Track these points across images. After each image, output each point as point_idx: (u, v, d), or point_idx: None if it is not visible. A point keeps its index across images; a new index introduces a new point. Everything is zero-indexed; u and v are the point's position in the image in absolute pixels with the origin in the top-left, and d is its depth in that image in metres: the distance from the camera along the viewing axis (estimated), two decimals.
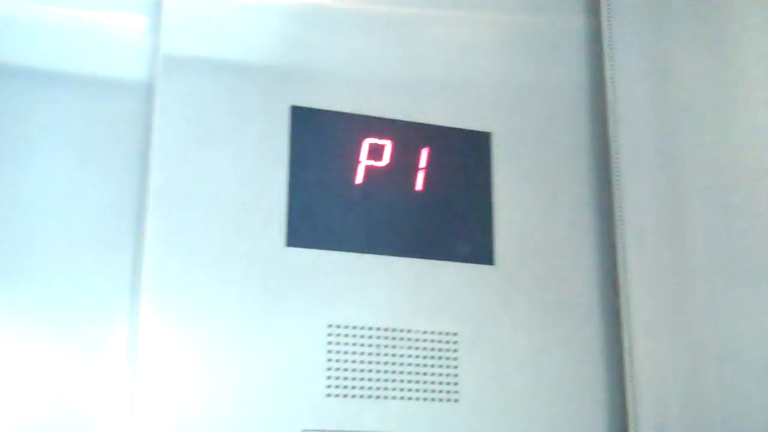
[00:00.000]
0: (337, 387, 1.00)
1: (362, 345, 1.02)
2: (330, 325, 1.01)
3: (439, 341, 1.05)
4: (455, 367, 1.04)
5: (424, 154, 1.11)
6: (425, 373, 1.03)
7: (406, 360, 1.03)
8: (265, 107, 1.06)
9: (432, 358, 1.04)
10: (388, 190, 1.09)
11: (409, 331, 1.04)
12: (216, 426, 0.94)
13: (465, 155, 1.13)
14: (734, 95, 1.01)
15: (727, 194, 1.00)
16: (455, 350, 1.05)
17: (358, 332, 1.02)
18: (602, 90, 1.20)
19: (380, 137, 1.10)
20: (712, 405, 0.98)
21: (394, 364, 1.02)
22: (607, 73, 1.19)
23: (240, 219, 1.02)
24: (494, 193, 1.13)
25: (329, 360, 1.00)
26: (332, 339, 1.01)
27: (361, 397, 1.00)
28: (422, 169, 1.11)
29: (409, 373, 1.03)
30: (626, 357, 1.09)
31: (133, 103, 1.04)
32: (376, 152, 1.09)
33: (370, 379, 1.01)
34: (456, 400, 1.03)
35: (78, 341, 0.95)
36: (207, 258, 0.99)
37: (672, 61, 1.16)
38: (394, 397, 1.01)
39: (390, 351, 1.03)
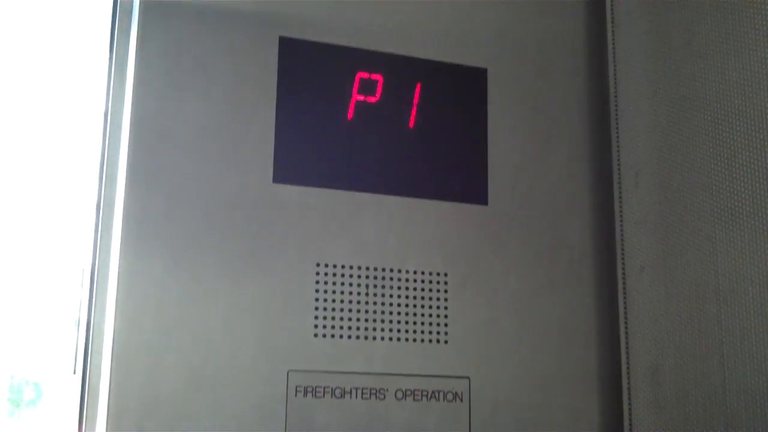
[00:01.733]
0: (324, 327, 0.98)
1: (351, 285, 1.00)
2: (318, 264, 0.99)
3: (429, 281, 1.03)
4: (445, 308, 1.03)
5: (418, 89, 1.08)
6: (414, 314, 1.01)
7: (395, 300, 1.01)
8: (253, 38, 1.02)
9: (422, 298, 1.02)
10: (380, 127, 1.06)
11: (398, 271, 1.02)
12: (200, 366, 0.93)
13: (460, 92, 1.10)
14: (739, 32, 0.98)
15: (728, 133, 0.98)
16: (445, 291, 1.03)
17: (347, 272, 1.00)
18: (602, 26, 1.16)
19: (372, 72, 1.06)
20: (709, 344, 0.97)
21: (383, 304, 1.00)
22: (607, 8, 1.16)
23: (226, 155, 0.99)
24: (489, 132, 1.10)
25: (317, 300, 0.98)
26: (320, 278, 0.99)
27: (349, 337, 0.98)
28: (415, 105, 1.07)
29: (398, 313, 1.01)
30: (620, 297, 1.08)
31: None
32: (367, 87, 1.06)
33: (358, 320, 0.99)
34: (445, 342, 1.02)
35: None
36: (191, 194, 0.96)
37: None
38: (382, 338, 1.00)
39: (379, 291, 1.01)
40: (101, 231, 0.98)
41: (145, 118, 0.97)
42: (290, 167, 1.00)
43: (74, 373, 1.00)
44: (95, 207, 1.00)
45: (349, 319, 0.99)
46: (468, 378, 1.02)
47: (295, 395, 0.95)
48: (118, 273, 0.93)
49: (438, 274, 1.03)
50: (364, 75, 1.06)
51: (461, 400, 1.01)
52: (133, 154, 0.96)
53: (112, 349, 0.91)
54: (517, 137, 1.11)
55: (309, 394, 0.96)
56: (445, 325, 1.02)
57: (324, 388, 0.96)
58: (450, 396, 1.01)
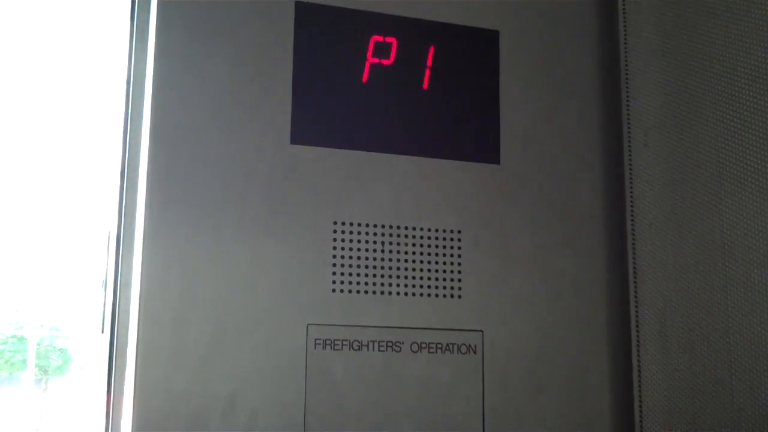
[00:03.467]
0: (341, 283, 1.01)
1: (367, 242, 1.03)
2: (335, 222, 1.02)
3: (443, 239, 1.06)
4: (458, 264, 1.06)
5: (431, 52, 1.10)
6: (429, 270, 1.05)
7: (410, 257, 1.04)
8: (269, 2, 1.05)
9: (436, 255, 1.05)
10: (394, 89, 1.08)
11: (413, 228, 1.05)
12: (223, 322, 0.97)
13: (472, 54, 1.12)
14: None
15: (735, 91, 0.99)
16: (459, 248, 1.06)
17: (363, 229, 1.03)
18: None
19: (386, 35, 1.09)
20: (714, 297, 1.00)
21: (398, 260, 1.04)
22: None
23: (245, 118, 1.02)
24: (501, 92, 1.12)
25: (334, 256, 1.01)
26: (337, 236, 1.02)
27: (366, 292, 1.02)
28: (429, 67, 1.10)
29: (413, 270, 1.04)
30: (629, 253, 1.11)
31: None
32: (382, 50, 1.08)
33: (374, 276, 1.02)
34: (459, 296, 1.05)
35: None
36: (212, 157, 1.00)
37: None
38: (398, 293, 1.03)
39: (394, 248, 1.04)
40: (126, 195, 1.01)
41: (167, 83, 1.00)
42: (307, 129, 1.03)
43: (102, 332, 1.04)
44: (119, 172, 1.03)
45: (366, 275, 1.02)
46: (481, 331, 1.05)
47: (315, 348, 0.99)
48: (143, 235, 0.97)
49: (451, 232, 1.06)
50: (379, 38, 1.08)
51: (474, 352, 1.04)
52: (155, 119, 0.99)
53: (139, 308, 0.95)
54: (528, 98, 1.13)
55: (327, 347, 0.99)
56: (459, 280, 1.05)
57: (342, 341, 1.00)
58: (464, 348, 1.04)
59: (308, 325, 0.99)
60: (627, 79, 1.15)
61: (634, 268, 1.10)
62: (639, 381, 1.08)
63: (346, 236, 1.02)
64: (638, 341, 1.09)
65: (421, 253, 1.05)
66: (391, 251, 1.04)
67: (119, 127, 1.05)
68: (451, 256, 1.06)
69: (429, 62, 1.10)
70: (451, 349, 1.04)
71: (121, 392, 0.97)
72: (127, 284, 0.99)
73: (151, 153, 0.98)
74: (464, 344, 1.04)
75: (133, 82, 1.03)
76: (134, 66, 1.04)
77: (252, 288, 0.98)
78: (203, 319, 0.96)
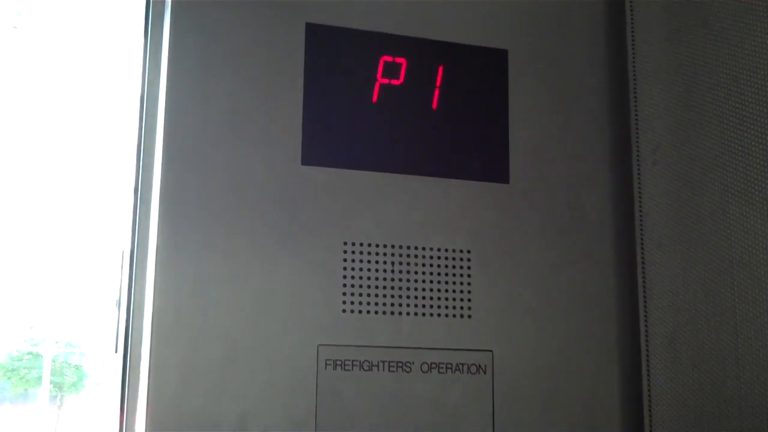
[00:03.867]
0: (352, 303, 1.02)
1: (377, 262, 1.04)
2: (345, 243, 1.03)
3: (453, 258, 1.06)
4: (468, 284, 1.06)
5: (440, 71, 1.11)
6: (438, 290, 1.05)
7: (420, 277, 1.05)
8: (280, 25, 1.06)
9: (446, 275, 1.06)
10: (404, 109, 1.09)
11: (423, 248, 1.05)
12: (235, 341, 0.97)
13: (481, 73, 1.13)
14: (753, 11, 1.00)
15: (741, 111, 1.00)
16: (468, 267, 1.06)
17: (373, 249, 1.04)
18: (620, 6, 1.18)
19: (395, 55, 1.10)
20: (723, 313, 1.00)
21: (408, 280, 1.04)
22: None
23: (256, 138, 1.03)
24: (510, 111, 1.12)
25: (344, 277, 1.02)
26: (347, 256, 1.03)
27: (376, 312, 1.02)
28: (438, 87, 1.10)
29: (423, 289, 1.04)
30: (639, 271, 1.11)
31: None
32: (391, 70, 1.09)
33: (384, 296, 1.03)
34: (469, 316, 1.05)
35: None
36: (225, 178, 1.01)
37: None
38: (408, 313, 1.03)
39: (404, 268, 1.04)
40: (139, 214, 1.02)
41: (180, 103, 1.01)
42: (318, 150, 1.04)
43: (116, 351, 1.05)
44: (133, 191, 1.04)
45: (376, 295, 1.03)
46: (491, 351, 1.05)
47: (325, 368, 0.99)
48: (156, 254, 0.97)
49: (461, 251, 1.07)
50: (388, 58, 1.09)
51: (485, 372, 1.05)
52: (167, 138, 1.00)
53: (152, 327, 0.96)
54: (537, 116, 1.13)
55: (338, 368, 1.00)
56: (469, 300, 1.06)
57: (352, 362, 1.00)
58: (474, 368, 1.04)
59: (319, 345, 1.00)
60: (635, 96, 1.15)
61: (644, 284, 1.11)
62: (649, 398, 1.08)
63: (356, 256, 1.03)
64: (648, 357, 1.09)
65: (431, 273, 1.05)
66: (401, 271, 1.04)
67: (132, 147, 1.07)
68: (461, 275, 1.06)
69: (438, 82, 1.10)
70: (461, 369, 1.04)
71: (134, 411, 0.98)
72: (140, 303, 1.00)
73: (164, 172, 0.99)
74: (474, 364, 1.04)
75: (146, 102, 1.04)
76: (147, 86, 1.05)
77: (264, 307, 0.99)
78: (215, 338, 0.97)
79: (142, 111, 1.05)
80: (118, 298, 1.08)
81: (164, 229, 0.98)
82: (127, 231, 1.04)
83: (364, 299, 1.02)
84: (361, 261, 1.03)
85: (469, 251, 1.07)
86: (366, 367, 1.01)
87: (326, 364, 1.00)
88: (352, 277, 1.02)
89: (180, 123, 1.01)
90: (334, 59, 1.07)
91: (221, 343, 0.97)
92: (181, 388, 0.95)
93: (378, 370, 1.01)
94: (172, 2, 1.03)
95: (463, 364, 1.04)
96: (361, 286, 1.02)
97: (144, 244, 1.01)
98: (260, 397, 0.97)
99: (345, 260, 1.02)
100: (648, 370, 1.09)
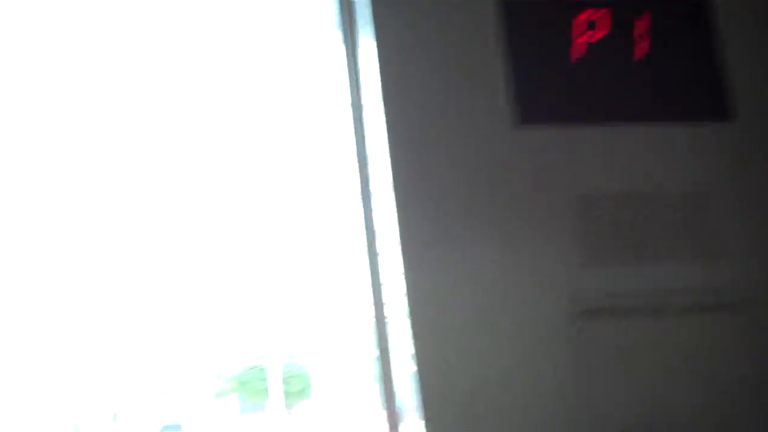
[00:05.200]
0: (592, 255, 0.99)
1: (612, 212, 1.01)
2: (579, 196, 1.01)
3: (692, 201, 1.03)
4: (714, 225, 1.02)
5: (647, 17, 1.07)
6: (678, 233, 1.01)
7: (658, 221, 1.01)
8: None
9: (683, 218, 1.02)
10: (610, 60, 1.06)
11: (658, 194, 1.02)
12: (484, 307, 0.97)
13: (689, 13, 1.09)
14: None
15: None
16: (708, 208, 1.03)
17: (608, 200, 1.01)
18: None
19: (598, 6, 1.06)
20: None
21: (646, 226, 1.01)
22: None
23: (466, 104, 1.02)
24: (723, 47, 1.08)
25: (582, 230, 1.00)
26: (582, 210, 1.00)
27: (618, 262, 1.00)
28: (641, 37, 1.07)
29: (663, 234, 1.01)
30: None
31: None
32: (593, 24, 1.06)
33: (624, 245, 1.00)
34: (719, 256, 1.01)
35: None
36: (446, 149, 1.01)
37: None
38: (651, 257, 1.00)
39: (640, 215, 1.01)
40: (369, 214, 1.03)
41: (396, 83, 1.02)
42: (534, 109, 1.03)
43: (377, 350, 1.06)
44: (360, 196, 1.06)
45: (615, 246, 1.00)
46: (747, 290, 1.01)
47: (576, 320, 0.97)
48: (402, 250, 0.98)
49: (697, 195, 1.03)
50: (589, 12, 1.06)
51: (742, 313, 1.00)
52: (390, 122, 1.01)
53: (410, 323, 0.96)
54: (752, 51, 1.09)
55: (590, 317, 0.97)
56: (715, 240, 1.02)
57: (602, 310, 0.98)
58: (732, 308, 1.00)
59: (567, 299, 0.98)
60: None
61: None
62: None
63: (592, 208, 1.00)
64: None
65: (668, 217, 1.01)
66: (637, 218, 1.01)
67: (351, 144, 1.08)
68: (703, 218, 1.02)
69: (644, 29, 1.06)
70: (716, 310, 1.00)
71: (394, 411, 0.98)
72: (389, 300, 1.00)
73: (393, 163, 1.00)
74: (731, 304, 1.00)
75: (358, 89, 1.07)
76: (354, 92, 1.07)
77: (501, 270, 0.99)
78: (463, 305, 0.97)
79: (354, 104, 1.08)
80: (372, 300, 1.08)
81: (405, 223, 0.98)
82: (361, 240, 1.05)
83: (603, 250, 1.00)
84: (597, 212, 1.00)
85: (707, 192, 1.03)
86: (621, 314, 0.98)
87: (577, 316, 0.97)
88: (590, 229, 1.00)
89: (397, 100, 1.01)
90: (536, 19, 1.05)
91: (468, 305, 0.96)
92: (447, 377, 0.94)
93: (631, 316, 0.98)
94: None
95: (719, 305, 1.00)
96: (599, 237, 1.00)
97: (373, 246, 1.03)
98: (518, 355, 0.96)
99: (582, 214, 1.00)
100: None
